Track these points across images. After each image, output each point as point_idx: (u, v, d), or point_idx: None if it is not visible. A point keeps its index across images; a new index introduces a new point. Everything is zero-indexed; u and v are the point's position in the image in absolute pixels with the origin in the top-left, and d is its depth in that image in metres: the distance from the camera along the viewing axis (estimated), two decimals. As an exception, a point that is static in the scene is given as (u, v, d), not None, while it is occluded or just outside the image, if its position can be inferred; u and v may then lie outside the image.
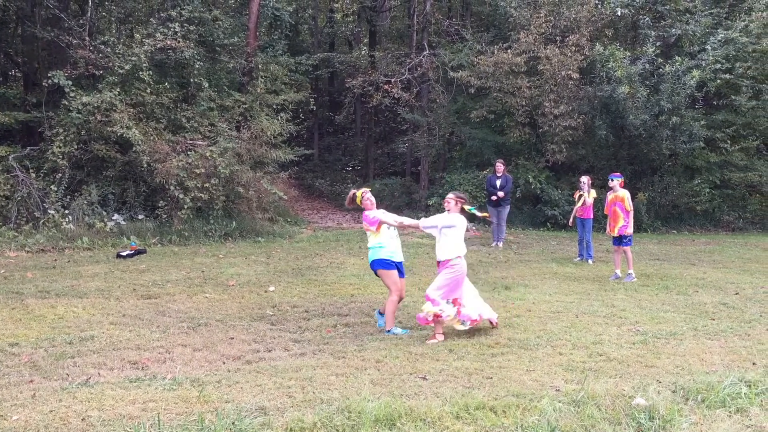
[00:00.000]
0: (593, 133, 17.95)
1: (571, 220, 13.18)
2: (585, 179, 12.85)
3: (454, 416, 4.47)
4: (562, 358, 6.18)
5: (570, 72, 17.34)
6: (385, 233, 7.40)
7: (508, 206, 14.84)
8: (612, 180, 10.97)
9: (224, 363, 6.12)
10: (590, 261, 12.49)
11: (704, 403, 4.80)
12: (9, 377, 5.59)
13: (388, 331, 7.28)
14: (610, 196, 10.97)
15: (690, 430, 4.32)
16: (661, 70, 17.40)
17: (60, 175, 14.31)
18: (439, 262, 7.22)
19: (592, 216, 12.65)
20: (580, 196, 12.66)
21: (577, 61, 17.47)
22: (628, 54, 17.52)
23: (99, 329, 7.28)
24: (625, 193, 10.81)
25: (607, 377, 5.50)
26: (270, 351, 6.55)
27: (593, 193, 12.69)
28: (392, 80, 20.09)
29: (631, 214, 10.80)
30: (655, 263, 12.51)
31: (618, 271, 10.82)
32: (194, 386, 5.27)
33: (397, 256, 7.44)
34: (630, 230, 10.73)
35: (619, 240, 10.77)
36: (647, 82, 17.57)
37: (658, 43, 17.83)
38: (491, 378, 5.52)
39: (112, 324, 7.56)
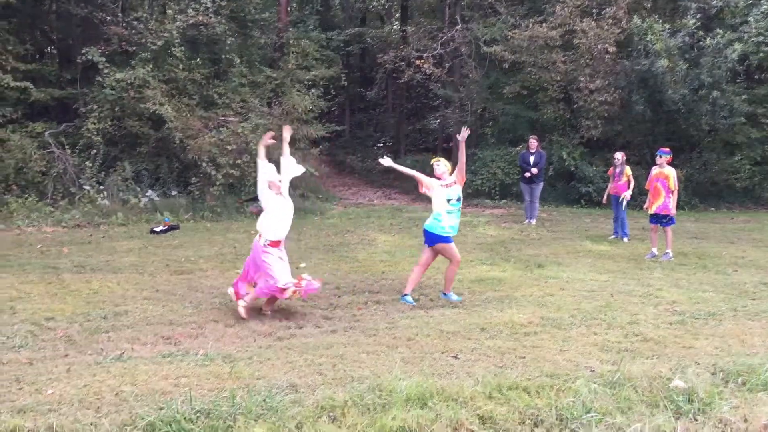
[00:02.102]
0: (630, 108, 17.54)
1: (605, 197, 12.90)
2: (619, 155, 12.56)
3: (487, 396, 4.40)
4: (597, 338, 6.07)
5: (606, 45, 16.92)
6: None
7: (542, 183, 14.60)
8: (660, 156, 10.59)
9: (255, 339, 6.13)
10: (625, 239, 12.24)
11: (745, 386, 4.67)
12: (45, 351, 5.67)
13: (445, 294, 7.63)
14: (654, 171, 10.59)
15: (730, 413, 4.19)
16: (701, 43, 16.88)
17: (95, 151, 14.46)
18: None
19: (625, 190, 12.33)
20: (621, 172, 12.28)
21: (614, 35, 17.02)
22: (668, 27, 17.01)
23: (133, 304, 7.36)
24: (671, 171, 10.42)
25: (643, 358, 5.38)
26: (301, 328, 6.55)
27: (627, 170, 12.38)
28: (424, 55, 19.83)
29: (675, 194, 10.46)
30: (693, 241, 12.23)
31: (654, 249, 10.58)
32: (226, 362, 5.28)
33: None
34: (673, 210, 10.41)
35: (658, 218, 10.49)
36: (687, 56, 17.07)
37: (698, 15, 17.30)
38: (524, 358, 5.44)
39: (146, 299, 7.63)
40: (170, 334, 6.25)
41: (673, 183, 10.35)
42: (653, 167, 10.73)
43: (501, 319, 6.72)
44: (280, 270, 6.79)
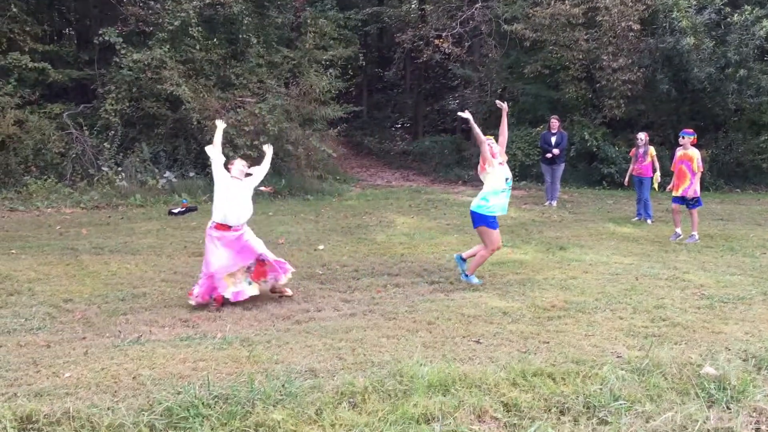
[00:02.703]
0: (654, 87, 17.18)
1: (627, 178, 12.64)
2: (642, 135, 12.29)
3: (511, 383, 4.27)
4: (623, 322, 5.91)
5: (630, 23, 16.55)
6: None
7: (563, 164, 14.38)
8: (683, 137, 10.34)
9: (274, 323, 6.05)
10: (649, 221, 12.02)
11: (779, 373, 4.51)
12: (62, 333, 5.63)
13: (467, 276, 7.46)
14: (679, 152, 10.35)
15: (765, 401, 4.03)
16: (728, 19, 16.45)
17: (113, 132, 14.45)
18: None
19: (651, 174, 12.08)
20: (645, 152, 12.03)
21: (638, 11, 16.64)
22: (694, 3, 16.60)
23: (151, 286, 7.31)
24: (695, 153, 10.16)
25: (671, 344, 5.22)
26: (320, 311, 6.45)
27: (652, 150, 12.13)
28: (443, 34, 19.54)
29: (698, 175, 10.20)
30: (719, 223, 11.98)
31: (678, 230, 10.34)
32: (244, 346, 5.20)
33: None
34: (697, 192, 10.16)
35: (684, 200, 10.25)
36: (713, 33, 16.67)
37: (726, -9, 16.86)
38: (548, 343, 5.30)
39: (164, 281, 7.59)
40: (188, 317, 6.19)
41: (697, 165, 10.10)
42: (677, 148, 10.48)
43: (523, 302, 6.58)
44: (216, 257, 6.50)
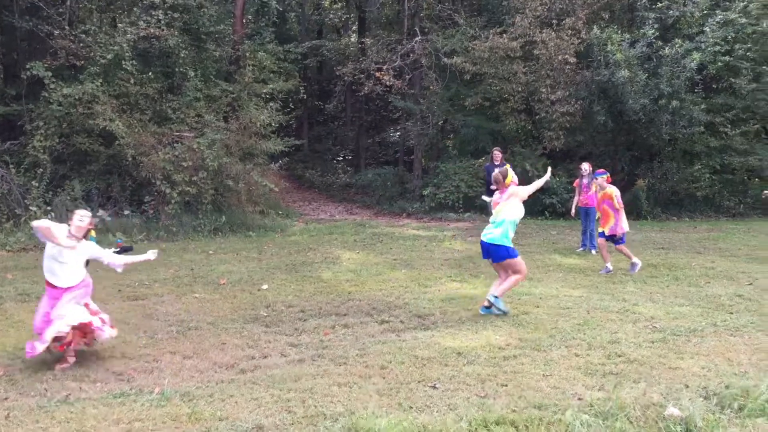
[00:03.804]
0: (591, 118, 17.54)
1: (573, 210, 12.72)
2: (585, 166, 12.43)
3: (473, 434, 4.05)
4: (579, 360, 5.78)
5: (567, 56, 16.89)
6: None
7: (507, 195, 14.40)
8: (596, 178, 10.61)
9: (216, 372, 5.66)
10: (593, 251, 12.06)
11: (742, 411, 4.42)
12: (-19, 394, 5.13)
13: (496, 297, 7.35)
14: (599, 194, 10.55)
15: (734, 445, 3.92)
16: (660, 52, 16.99)
17: (41, 170, 13.73)
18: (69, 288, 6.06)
19: (595, 205, 12.17)
20: (589, 183, 12.11)
21: (573, 45, 17.02)
22: (627, 36, 17.09)
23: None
24: (613, 190, 10.30)
25: (631, 382, 5.10)
26: (266, 357, 6.09)
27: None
28: (383, 67, 19.53)
29: (621, 211, 10.27)
30: (661, 252, 12.13)
31: (609, 265, 10.26)
32: (184, 401, 4.82)
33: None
34: (624, 228, 10.22)
35: (611, 238, 10.30)
36: (646, 66, 17.17)
37: (656, 26, 17.41)
38: (506, 385, 5.10)
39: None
40: (122, 369, 5.75)
41: (617, 202, 10.21)
42: (595, 190, 10.74)
43: (477, 341, 6.38)
44: (37, 313, 5.98)
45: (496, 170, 7.92)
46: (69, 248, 5.90)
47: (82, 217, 6.07)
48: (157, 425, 4.35)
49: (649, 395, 4.70)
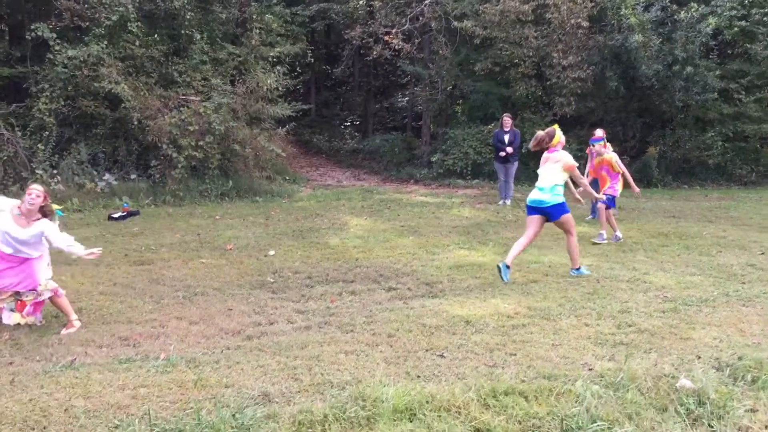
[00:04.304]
0: (603, 84, 17.25)
1: (585, 177, 12.52)
2: (600, 132, 12.21)
3: (481, 404, 3.97)
4: (589, 329, 5.69)
5: (579, 20, 16.55)
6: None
7: (517, 162, 14.28)
8: (593, 145, 10.57)
9: (223, 338, 5.63)
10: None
11: (755, 383, 4.32)
12: (-13, 358, 5.11)
13: (577, 269, 7.66)
14: (596, 160, 10.42)
15: (748, 417, 3.84)
16: (675, 17, 16.62)
17: (47, 133, 13.65)
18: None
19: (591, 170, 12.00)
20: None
21: (586, 9, 16.65)
22: (641, 0, 16.70)
23: (88, 300, 6.81)
24: (612, 156, 10.27)
25: (642, 353, 5.01)
26: (272, 324, 6.05)
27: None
28: (392, 31, 19.24)
29: (620, 176, 10.20)
30: (672, 221, 11.99)
31: (618, 233, 10.16)
32: (190, 368, 4.77)
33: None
34: (616, 192, 10.18)
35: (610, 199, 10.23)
36: (660, 30, 16.82)
37: (671, -12, 17.03)
38: (515, 354, 5.03)
39: (102, 294, 7.08)
40: (128, 334, 5.72)
41: (619, 167, 10.17)
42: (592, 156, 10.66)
43: (486, 310, 6.31)
44: None
45: (540, 132, 8.02)
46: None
47: (33, 198, 5.70)
48: (162, 391, 4.31)
49: (661, 366, 4.62)
